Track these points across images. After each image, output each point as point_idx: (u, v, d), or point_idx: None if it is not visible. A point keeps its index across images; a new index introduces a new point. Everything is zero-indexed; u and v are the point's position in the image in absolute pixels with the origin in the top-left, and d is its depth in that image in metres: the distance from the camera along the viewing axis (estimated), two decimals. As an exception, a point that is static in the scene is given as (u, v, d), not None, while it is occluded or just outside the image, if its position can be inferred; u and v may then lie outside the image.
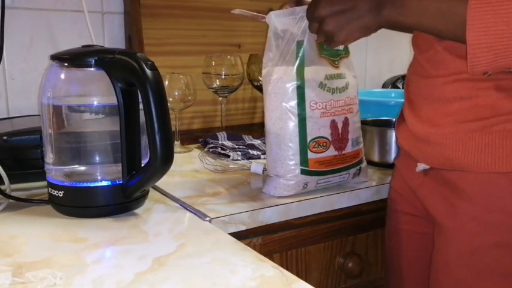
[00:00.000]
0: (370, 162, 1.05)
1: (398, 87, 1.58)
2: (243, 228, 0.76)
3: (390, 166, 1.02)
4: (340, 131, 0.84)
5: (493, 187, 0.67)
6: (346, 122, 0.85)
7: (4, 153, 0.84)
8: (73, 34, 1.14)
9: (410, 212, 0.82)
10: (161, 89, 0.67)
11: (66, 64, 0.72)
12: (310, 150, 0.81)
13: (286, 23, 0.78)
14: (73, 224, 0.69)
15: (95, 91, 0.73)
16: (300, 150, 0.81)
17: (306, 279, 0.61)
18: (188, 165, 1.04)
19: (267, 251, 0.80)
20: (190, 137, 1.22)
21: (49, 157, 0.73)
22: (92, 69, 0.70)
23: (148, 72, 0.66)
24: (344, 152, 0.85)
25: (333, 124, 0.83)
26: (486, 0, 0.55)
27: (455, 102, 0.69)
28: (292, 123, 0.80)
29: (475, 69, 0.59)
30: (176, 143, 1.15)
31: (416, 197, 0.79)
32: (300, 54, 0.79)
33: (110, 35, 1.19)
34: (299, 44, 0.79)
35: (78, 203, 0.72)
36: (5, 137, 0.85)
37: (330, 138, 0.83)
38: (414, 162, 0.77)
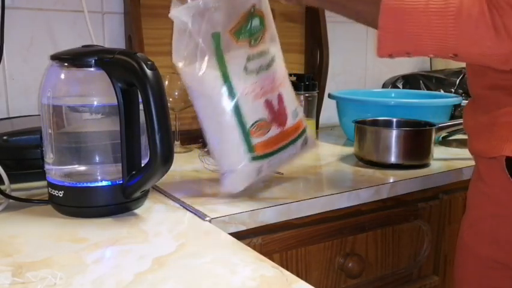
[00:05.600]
0: (369, 162, 1.05)
1: (398, 87, 1.58)
2: (243, 228, 0.76)
3: (390, 166, 1.02)
4: (277, 109, 0.81)
5: (492, 168, 0.75)
6: (281, 98, 0.82)
7: (4, 153, 0.84)
8: (73, 34, 1.14)
9: None
10: (161, 89, 0.67)
11: (66, 64, 0.72)
12: (253, 136, 0.78)
13: (194, 16, 0.75)
14: (73, 224, 0.69)
15: (95, 91, 0.73)
16: (244, 139, 0.78)
17: (306, 279, 0.61)
18: (188, 165, 1.04)
19: (267, 251, 0.80)
20: (190, 137, 1.22)
21: (49, 157, 0.73)
22: (92, 69, 0.70)
23: (148, 72, 0.66)
24: (286, 127, 0.82)
25: (268, 104, 0.80)
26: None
27: (477, 99, 0.79)
28: (228, 115, 0.76)
29: (380, 51, 0.70)
30: (176, 143, 1.15)
31: None
32: (218, 46, 0.76)
33: (110, 35, 1.19)
34: (215, 36, 0.76)
35: (78, 203, 0.72)
36: (5, 137, 0.85)
37: (268, 118, 0.80)
38: None
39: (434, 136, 1.05)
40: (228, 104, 0.76)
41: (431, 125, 1.06)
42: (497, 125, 0.73)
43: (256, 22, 0.80)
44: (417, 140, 1.04)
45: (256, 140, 0.79)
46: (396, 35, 0.68)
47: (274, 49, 0.83)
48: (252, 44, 0.79)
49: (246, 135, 0.78)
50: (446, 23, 0.64)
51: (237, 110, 0.77)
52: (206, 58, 0.75)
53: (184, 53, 0.76)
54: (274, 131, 0.81)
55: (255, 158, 0.79)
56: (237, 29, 0.77)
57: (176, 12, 0.76)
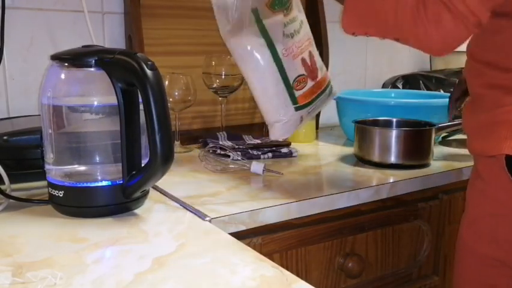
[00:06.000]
0: (369, 162, 1.05)
1: (398, 87, 1.58)
2: (243, 228, 0.76)
3: (389, 166, 1.02)
4: (310, 64, 0.97)
5: (491, 167, 0.76)
6: (311, 55, 0.98)
7: (4, 153, 0.84)
8: (73, 34, 1.14)
9: None
10: (161, 89, 0.67)
11: (66, 64, 0.72)
12: (295, 89, 0.94)
13: None
14: (73, 224, 0.69)
15: (95, 91, 0.73)
16: (289, 93, 0.93)
17: (306, 279, 0.61)
18: (188, 165, 1.04)
19: (267, 251, 0.80)
20: (190, 137, 1.22)
21: (49, 157, 0.73)
22: (92, 69, 0.70)
23: (148, 72, 0.66)
24: (317, 79, 0.99)
25: (304, 61, 0.96)
26: None
27: (477, 99, 0.80)
28: (275, 74, 0.91)
29: (345, 29, 0.78)
30: (176, 143, 1.15)
31: None
32: (258, 19, 0.90)
33: (110, 35, 1.19)
34: (254, 11, 0.89)
35: (78, 203, 0.72)
36: (5, 137, 0.85)
37: (305, 73, 0.96)
38: None
39: (434, 136, 1.05)
40: (274, 66, 0.91)
41: (431, 125, 1.06)
42: (496, 124, 0.74)
43: None
44: (417, 140, 1.04)
45: (298, 93, 0.94)
46: (354, 16, 0.76)
47: (300, 15, 0.97)
48: (285, 13, 0.93)
49: (291, 89, 0.93)
50: (387, 10, 0.70)
51: (281, 69, 0.91)
52: (250, 30, 0.89)
53: (228, 28, 0.90)
54: (309, 83, 0.97)
55: (298, 108, 0.95)
56: (271, 2, 0.91)
57: None
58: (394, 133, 1.04)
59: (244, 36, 0.89)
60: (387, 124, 1.13)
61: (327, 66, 1.40)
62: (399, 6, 0.69)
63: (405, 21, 0.69)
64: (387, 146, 1.03)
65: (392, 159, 1.02)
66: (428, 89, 1.52)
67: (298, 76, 0.94)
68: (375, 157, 1.04)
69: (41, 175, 0.77)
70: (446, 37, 0.68)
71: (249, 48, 0.90)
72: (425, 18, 0.67)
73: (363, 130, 1.07)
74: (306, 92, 0.96)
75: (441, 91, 1.49)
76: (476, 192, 0.81)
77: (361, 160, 1.07)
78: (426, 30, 0.68)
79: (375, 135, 1.04)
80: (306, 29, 0.97)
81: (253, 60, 0.90)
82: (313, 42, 1.00)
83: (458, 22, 0.66)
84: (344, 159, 1.11)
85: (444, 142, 1.31)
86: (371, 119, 1.14)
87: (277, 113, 0.94)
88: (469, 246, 0.81)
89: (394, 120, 1.14)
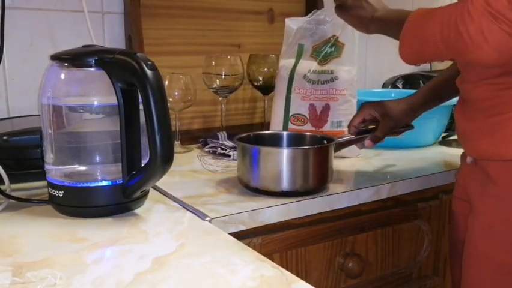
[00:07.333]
0: (256, 190, 0.84)
1: (398, 87, 1.57)
2: (243, 228, 0.76)
3: (280, 194, 0.83)
4: (318, 113, 1.09)
5: (509, 171, 0.75)
6: (327, 108, 1.09)
7: (4, 153, 0.84)
8: (73, 34, 1.13)
9: (462, 197, 0.89)
10: (161, 89, 0.67)
11: (66, 64, 0.72)
12: (291, 122, 1.10)
13: (298, 27, 1.11)
14: (73, 224, 0.69)
15: (95, 91, 0.73)
16: (284, 120, 1.10)
17: (306, 279, 0.62)
18: (188, 165, 1.04)
19: (267, 251, 0.80)
20: (190, 137, 1.22)
21: (49, 157, 0.73)
22: (92, 69, 0.70)
23: (148, 72, 0.66)
24: (321, 129, 1.09)
25: (312, 107, 1.09)
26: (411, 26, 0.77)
27: (483, 101, 0.78)
28: (282, 100, 1.11)
29: (404, 61, 0.82)
30: (176, 143, 1.15)
31: (465, 185, 0.87)
32: (300, 52, 1.11)
33: (110, 35, 1.19)
34: (300, 46, 1.11)
35: (78, 203, 0.72)
36: (5, 137, 0.85)
37: (307, 116, 1.09)
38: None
39: (332, 153, 0.87)
40: (285, 93, 1.10)
41: (329, 140, 0.90)
42: (510, 126, 0.73)
43: (331, 49, 1.10)
44: (312, 160, 0.84)
45: (291, 125, 1.10)
46: (410, 51, 0.79)
47: (341, 72, 1.09)
48: (320, 62, 1.10)
49: (287, 119, 1.10)
50: (435, 36, 0.72)
51: (288, 100, 1.10)
52: (290, 58, 1.11)
53: (284, 49, 1.13)
54: (309, 127, 1.09)
55: None
56: (316, 48, 1.10)
57: (289, 21, 1.13)
58: (284, 154, 0.83)
59: (283, 61, 1.12)
60: (275, 139, 0.97)
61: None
62: (444, 29, 0.70)
63: (453, 41, 0.69)
64: (274, 170, 0.82)
65: (283, 185, 0.82)
66: (428, 89, 1.52)
67: (298, 114, 1.10)
68: (261, 183, 0.83)
69: (41, 175, 0.77)
70: (500, 48, 0.67)
71: (281, 72, 1.11)
72: (473, 33, 0.66)
73: (245, 150, 0.86)
74: (302, 130, 1.08)
75: (441, 91, 1.48)
76: (488, 197, 0.78)
77: (247, 187, 0.86)
78: (475, 45, 0.67)
79: (259, 156, 0.84)
80: (337, 86, 1.08)
81: (278, 80, 1.12)
82: (345, 101, 1.08)
83: (509, 30, 0.64)
84: (344, 159, 1.11)
85: (445, 142, 1.31)
86: (257, 132, 1.00)
87: (272, 127, 1.13)
88: (485, 253, 0.78)
89: (284, 133, 0.99)
